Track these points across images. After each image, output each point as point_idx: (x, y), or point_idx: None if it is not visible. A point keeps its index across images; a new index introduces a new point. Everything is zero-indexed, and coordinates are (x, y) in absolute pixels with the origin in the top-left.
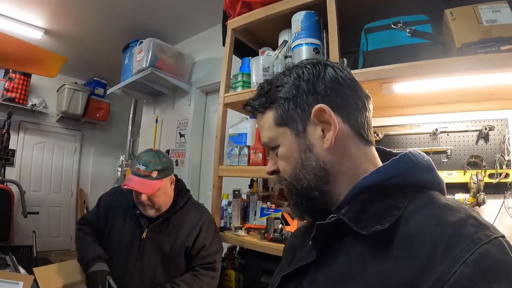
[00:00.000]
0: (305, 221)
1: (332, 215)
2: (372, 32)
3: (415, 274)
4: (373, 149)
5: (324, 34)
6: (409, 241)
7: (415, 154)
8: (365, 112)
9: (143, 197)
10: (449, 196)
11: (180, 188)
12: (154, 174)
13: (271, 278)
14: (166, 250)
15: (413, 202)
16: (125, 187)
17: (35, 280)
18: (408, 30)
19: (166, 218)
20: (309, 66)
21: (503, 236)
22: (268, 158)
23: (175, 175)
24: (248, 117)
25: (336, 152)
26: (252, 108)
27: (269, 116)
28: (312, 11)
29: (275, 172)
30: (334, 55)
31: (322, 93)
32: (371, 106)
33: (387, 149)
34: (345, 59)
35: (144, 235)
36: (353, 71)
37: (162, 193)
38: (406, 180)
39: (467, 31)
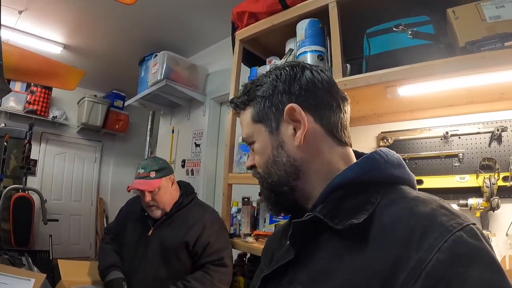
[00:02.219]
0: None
1: (307, 213)
2: (374, 36)
3: (392, 263)
4: (349, 149)
5: (328, 41)
6: (384, 233)
7: (385, 152)
8: (340, 113)
9: (147, 198)
10: (462, 201)
11: (185, 190)
12: (152, 174)
13: (252, 282)
14: (167, 244)
15: (386, 197)
16: (129, 189)
17: (47, 277)
18: (409, 32)
19: (170, 216)
20: (287, 68)
21: (474, 224)
22: None
23: (184, 182)
24: None
25: (307, 150)
26: (234, 105)
27: (248, 113)
28: (316, 19)
29: (253, 167)
30: (337, 61)
31: (296, 93)
32: (347, 108)
33: (360, 151)
34: (348, 65)
35: (149, 233)
36: (356, 76)
37: (164, 192)
38: (378, 176)
39: (470, 29)
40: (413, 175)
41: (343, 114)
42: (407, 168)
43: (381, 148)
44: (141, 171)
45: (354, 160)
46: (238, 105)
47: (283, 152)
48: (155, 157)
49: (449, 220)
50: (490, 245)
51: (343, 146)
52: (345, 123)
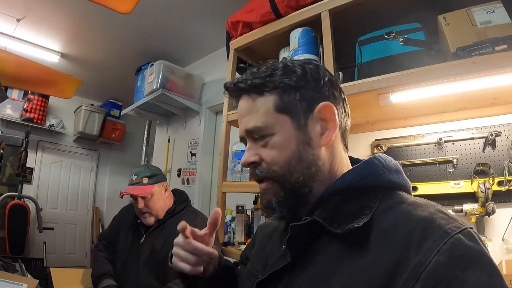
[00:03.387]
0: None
1: (306, 217)
2: (366, 44)
3: (392, 266)
4: (347, 155)
5: (321, 49)
6: (384, 237)
7: (384, 158)
8: (348, 120)
9: (140, 204)
10: (457, 207)
11: (178, 198)
12: (145, 180)
13: (241, 284)
14: (159, 251)
15: (384, 202)
16: (121, 194)
17: (39, 283)
18: (401, 39)
19: (162, 223)
20: (312, 66)
21: (471, 228)
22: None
23: (178, 190)
24: None
25: (328, 152)
26: (250, 86)
27: (269, 101)
28: (309, 28)
29: (255, 163)
30: (330, 69)
31: (326, 93)
32: (349, 113)
33: (355, 157)
34: (340, 73)
35: (142, 240)
36: (348, 84)
37: (157, 198)
38: (376, 181)
39: (461, 35)
40: (409, 181)
41: (348, 119)
42: (404, 174)
43: (380, 154)
44: (134, 177)
45: (350, 165)
46: (258, 86)
47: (310, 150)
48: (148, 164)
49: (448, 223)
50: (486, 249)
51: (345, 151)
52: (348, 128)
